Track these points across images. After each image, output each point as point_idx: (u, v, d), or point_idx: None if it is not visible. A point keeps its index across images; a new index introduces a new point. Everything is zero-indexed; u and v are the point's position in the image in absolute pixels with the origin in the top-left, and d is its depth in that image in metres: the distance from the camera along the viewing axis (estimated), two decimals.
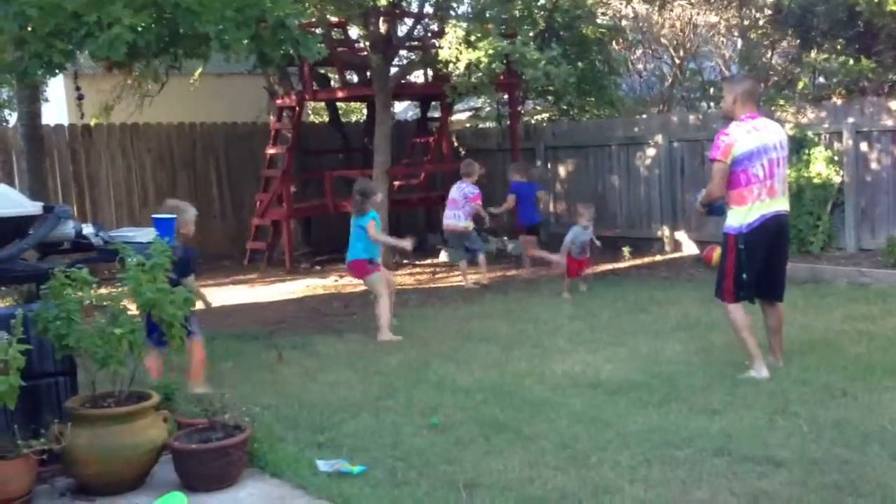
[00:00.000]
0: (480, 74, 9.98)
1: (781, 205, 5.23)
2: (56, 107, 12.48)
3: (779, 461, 3.83)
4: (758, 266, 5.19)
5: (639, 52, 17.26)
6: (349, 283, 9.86)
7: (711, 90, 15.26)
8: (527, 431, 4.39)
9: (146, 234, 4.48)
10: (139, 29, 6.44)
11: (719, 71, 15.73)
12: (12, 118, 12.07)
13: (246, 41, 7.07)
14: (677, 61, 16.28)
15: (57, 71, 7.17)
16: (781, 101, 10.39)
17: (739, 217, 5.16)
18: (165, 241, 4.11)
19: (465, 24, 10.20)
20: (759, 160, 5.11)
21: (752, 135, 5.13)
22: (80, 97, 10.29)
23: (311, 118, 15.73)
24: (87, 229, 4.52)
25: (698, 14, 15.34)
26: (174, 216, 5.02)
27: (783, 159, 5.23)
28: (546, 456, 4.03)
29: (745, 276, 5.17)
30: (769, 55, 13.73)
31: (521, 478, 3.78)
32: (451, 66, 10.10)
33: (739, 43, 15.14)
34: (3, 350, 3.48)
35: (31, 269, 4.27)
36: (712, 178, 5.28)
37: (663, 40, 16.37)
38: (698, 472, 3.75)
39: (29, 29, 6.55)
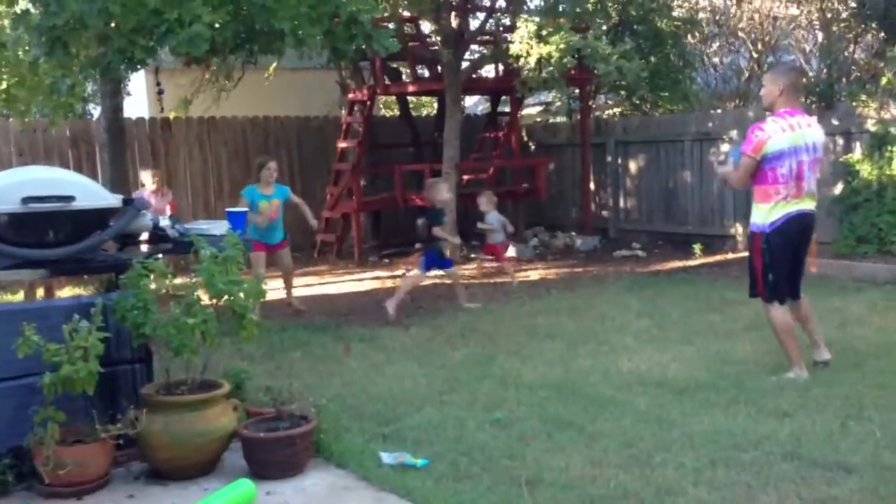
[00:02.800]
0: (551, 69, 9.93)
1: (807, 204, 5.08)
2: (137, 101, 12.84)
3: (850, 467, 3.73)
4: (786, 266, 5.09)
5: (715, 45, 16.90)
6: None
7: None
8: (590, 429, 4.37)
9: (219, 227, 4.61)
10: (217, 26, 6.63)
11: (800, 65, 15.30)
12: (96, 112, 12.45)
13: (319, 37, 7.21)
14: (755, 55, 15.89)
15: (139, 66, 7.42)
16: (864, 97, 10.05)
17: (763, 215, 5.08)
18: (237, 234, 4.22)
19: (536, 19, 10.16)
20: (789, 160, 4.97)
21: (786, 133, 4.96)
22: (161, 91, 10.58)
23: (382, 112, 15.86)
24: (164, 221, 4.68)
25: (778, 6, 14.94)
26: (246, 210, 5.14)
27: (815, 161, 5.06)
28: (609, 454, 4.01)
29: (770, 276, 5.07)
30: (852, 49, 13.30)
31: (584, 476, 3.77)
32: (521, 60, 10.08)
33: (821, 36, 14.69)
34: (84, 337, 3.63)
35: (111, 259, 4.44)
36: (736, 169, 5.18)
37: (741, 33, 16.00)
38: (765, 476, 3.68)
39: (112, 25, 6.80)
